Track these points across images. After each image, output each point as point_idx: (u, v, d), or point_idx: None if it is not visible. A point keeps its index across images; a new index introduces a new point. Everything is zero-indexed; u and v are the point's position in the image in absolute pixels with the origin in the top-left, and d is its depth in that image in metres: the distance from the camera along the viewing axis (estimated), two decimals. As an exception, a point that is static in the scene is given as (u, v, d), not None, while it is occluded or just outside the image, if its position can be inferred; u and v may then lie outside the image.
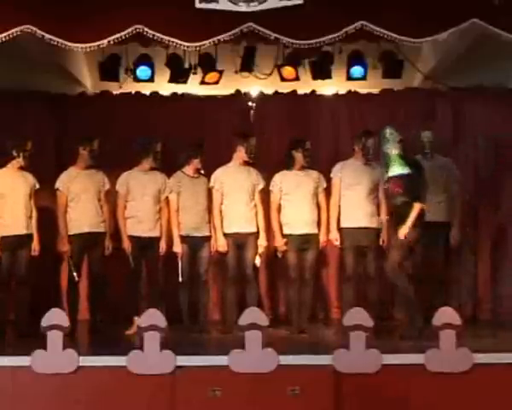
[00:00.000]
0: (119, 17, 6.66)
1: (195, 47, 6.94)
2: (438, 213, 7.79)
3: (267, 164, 8.26)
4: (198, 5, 6.60)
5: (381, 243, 7.59)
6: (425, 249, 7.78)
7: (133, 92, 9.21)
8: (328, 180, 7.89)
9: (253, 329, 5.93)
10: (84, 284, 7.95)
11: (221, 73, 8.73)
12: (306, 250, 7.77)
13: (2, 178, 7.64)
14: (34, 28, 6.60)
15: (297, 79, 8.80)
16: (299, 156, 7.79)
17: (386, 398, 5.87)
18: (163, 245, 7.84)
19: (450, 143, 8.85)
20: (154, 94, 9.24)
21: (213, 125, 9.09)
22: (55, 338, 5.92)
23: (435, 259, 7.89)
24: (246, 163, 7.90)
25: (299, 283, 7.76)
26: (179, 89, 9.11)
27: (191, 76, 8.74)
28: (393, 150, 7.12)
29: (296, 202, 7.75)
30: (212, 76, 8.78)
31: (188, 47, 6.89)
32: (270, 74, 8.74)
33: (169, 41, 6.76)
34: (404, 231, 7.01)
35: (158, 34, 6.69)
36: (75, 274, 7.60)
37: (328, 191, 7.88)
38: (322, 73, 8.76)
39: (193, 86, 8.99)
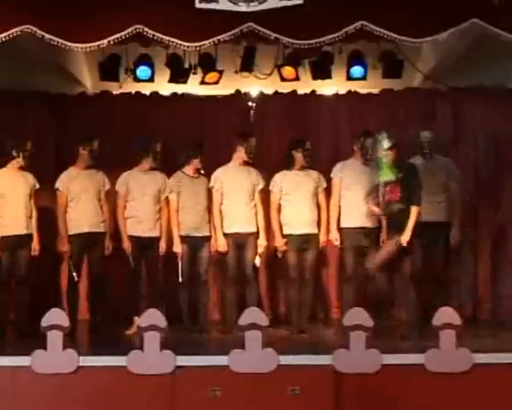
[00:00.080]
0: (119, 17, 6.66)
1: (195, 47, 6.94)
2: (438, 213, 7.79)
3: (267, 164, 8.26)
4: (198, 5, 6.60)
5: (381, 243, 7.58)
6: (425, 249, 7.78)
7: (133, 92, 9.21)
8: (328, 180, 7.89)
9: (253, 329, 5.94)
10: (84, 284, 7.95)
11: (221, 73, 8.73)
12: (306, 250, 7.77)
13: (2, 178, 7.64)
14: (34, 28, 6.60)
15: (297, 79, 8.80)
16: (299, 156, 7.79)
17: (386, 398, 5.88)
18: (163, 245, 7.84)
19: (450, 143, 8.85)
20: (154, 94, 9.24)
21: (213, 125, 9.08)
22: (55, 338, 5.92)
23: (435, 259, 7.88)
24: (246, 163, 7.90)
25: (299, 283, 7.76)
26: (179, 89, 9.10)
27: (191, 76, 8.74)
28: (383, 158, 7.14)
29: (296, 202, 7.75)
30: (212, 76, 8.78)
31: (188, 47, 6.89)
32: (270, 74, 8.74)
33: (169, 41, 6.76)
34: (406, 238, 7.02)
35: (158, 34, 6.69)
36: (75, 274, 7.60)
37: (328, 191, 7.88)
38: (322, 73, 8.76)
39: (193, 86, 8.99)
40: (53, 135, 9.04)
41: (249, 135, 7.94)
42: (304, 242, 7.75)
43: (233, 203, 7.80)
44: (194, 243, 7.84)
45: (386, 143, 7.13)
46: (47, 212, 7.96)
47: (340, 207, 7.75)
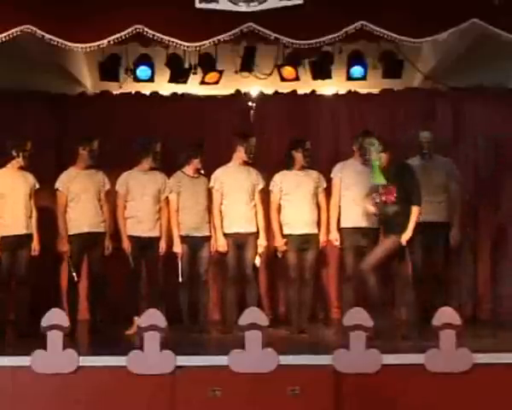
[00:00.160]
0: (119, 17, 6.66)
1: (195, 47, 6.94)
2: (438, 213, 7.79)
3: (267, 164, 8.27)
4: (198, 5, 6.60)
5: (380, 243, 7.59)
6: (425, 249, 7.79)
7: (133, 92, 9.21)
8: (329, 180, 7.89)
9: (253, 329, 5.93)
10: (84, 284, 7.95)
11: (221, 73, 8.73)
12: (306, 250, 7.78)
13: (2, 178, 7.64)
14: (34, 28, 6.60)
15: (297, 79, 8.80)
16: (299, 156, 7.79)
17: (386, 398, 5.88)
18: (163, 245, 7.84)
19: (450, 143, 8.85)
20: (154, 94, 9.24)
21: (213, 125, 9.09)
22: (55, 338, 5.92)
23: (435, 259, 7.88)
24: (245, 163, 7.90)
25: (299, 283, 7.76)
26: (179, 89, 9.11)
27: (191, 76, 8.74)
28: (376, 161, 7.15)
29: (296, 202, 7.75)
30: (212, 76, 8.78)
31: (188, 47, 6.89)
32: (270, 74, 8.74)
33: (169, 41, 6.76)
34: (406, 237, 7.03)
35: (158, 34, 6.69)
36: (74, 274, 7.60)
37: (328, 191, 7.88)
38: (322, 73, 8.76)
39: (193, 86, 8.99)
40: (53, 135, 9.04)
41: (249, 135, 7.94)
42: (304, 242, 7.75)
43: (233, 203, 7.80)
44: (194, 243, 7.84)
45: (377, 147, 7.14)
46: (47, 212, 7.96)
47: (340, 207, 7.75)
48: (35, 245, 7.66)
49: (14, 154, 7.61)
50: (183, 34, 6.70)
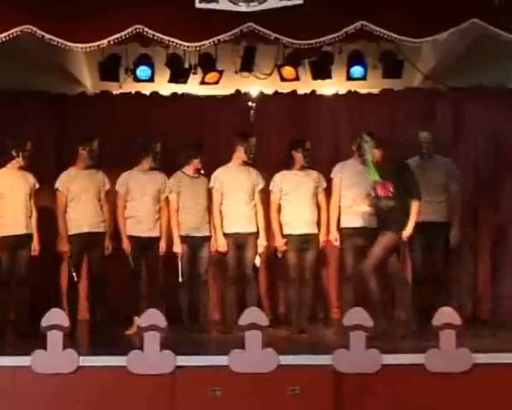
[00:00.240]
0: (119, 17, 6.66)
1: (195, 47, 6.93)
2: (438, 213, 7.79)
3: (267, 164, 8.27)
4: (198, 5, 6.59)
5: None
6: (425, 249, 7.80)
7: (133, 92, 9.21)
8: (329, 180, 7.89)
9: (253, 329, 5.93)
10: (84, 284, 7.95)
11: (221, 73, 8.73)
12: (306, 250, 7.78)
13: (2, 178, 7.64)
14: (34, 28, 6.59)
15: (297, 79, 8.80)
16: (298, 156, 7.79)
17: (386, 398, 5.87)
18: (163, 245, 7.84)
19: (450, 143, 8.85)
20: (154, 94, 9.24)
21: (213, 125, 9.09)
22: (55, 338, 5.92)
23: (435, 259, 7.88)
24: (245, 163, 7.90)
25: (299, 283, 7.76)
26: (179, 89, 9.10)
27: (191, 76, 8.74)
28: (368, 157, 7.16)
29: (296, 202, 7.75)
30: (212, 76, 8.78)
31: (188, 47, 6.89)
32: (270, 74, 8.74)
33: (169, 41, 6.76)
34: (407, 233, 7.04)
35: (158, 34, 6.69)
36: (74, 274, 7.60)
37: (328, 191, 7.89)
38: (322, 73, 8.76)
39: (193, 86, 8.99)
40: (53, 135, 9.04)
41: (249, 135, 7.94)
42: (304, 242, 7.75)
43: (233, 203, 7.80)
44: (194, 243, 7.84)
45: (370, 144, 7.17)
46: (47, 212, 7.96)
47: (340, 207, 7.76)
48: (35, 245, 7.66)
49: (14, 154, 7.61)
50: (183, 34, 6.70)
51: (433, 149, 7.93)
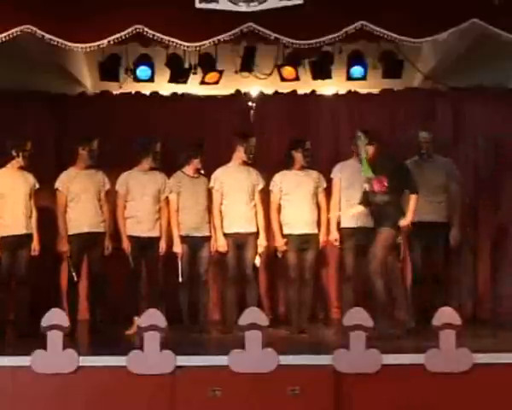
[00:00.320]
0: (119, 17, 6.66)
1: (195, 47, 6.93)
2: (438, 213, 7.80)
3: (267, 164, 8.27)
4: (198, 5, 6.59)
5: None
6: (425, 249, 7.80)
7: (133, 92, 9.21)
8: (329, 180, 7.90)
9: (253, 329, 5.93)
10: (84, 284, 7.95)
11: (221, 73, 8.73)
12: (306, 250, 7.78)
13: (2, 178, 7.64)
14: (34, 28, 6.59)
15: (297, 79, 8.79)
16: (298, 156, 7.79)
17: (386, 398, 5.87)
18: (163, 245, 7.84)
19: (450, 143, 8.85)
20: (154, 94, 9.24)
21: (213, 125, 9.08)
22: (55, 338, 5.92)
23: (435, 259, 7.89)
24: (245, 163, 7.90)
25: (299, 283, 7.76)
26: (179, 89, 9.10)
27: (191, 76, 8.73)
28: (363, 154, 7.20)
29: (296, 202, 7.75)
30: (212, 76, 8.78)
31: (188, 47, 6.89)
32: (270, 74, 8.73)
33: (169, 41, 6.76)
34: (405, 222, 7.05)
35: (158, 34, 6.69)
36: (74, 274, 7.60)
37: (328, 191, 7.89)
38: (322, 73, 8.76)
39: (193, 86, 8.99)
40: (53, 135, 9.04)
41: (249, 135, 7.94)
42: (304, 242, 7.75)
43: (233, 203, 7.80)
44: (194, 243, 7.84)
45: (363, 140, 7.20)
46: (47, 212, 7.96)
47: (340, 207, 7.76)
48: (35, 245, 7.66)
49: (14, 154, 7.61)
50: (183, 34, 6.70)
51: (433, 149, 7.93)
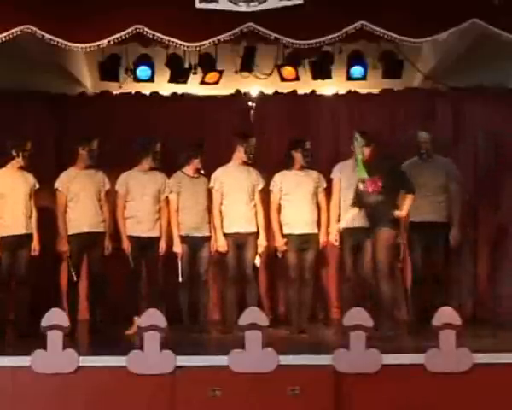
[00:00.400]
0: (119, 17, 6.66)
1: (195, 47, 6.93)
2: (438, 213, 7.80)
3: (267, 164, 8.27)
4: (198, 5, 6.59)
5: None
6: (425, 249, 7.79)
7: (133, 92, 9.21)
8: (329, 180, 7.89)
9: (253, 329, 5.93)
10: (84, 284, 7.96)
11: (221, 73, 8.73)
12: (306, 250, 7.78)
13: (2, 178, 7.64)
14: (34, 28, 6.59)
15: (297, 79, 8.79)
16: (298, 156, 7.79)
17: (386, 398, 5.87)
18: (163, 245, 7.84)
19: (450, 143, 8.85)
20: (154, 94, 9.24)
21: (213, 125, 9.08)
22: (55, 338, 5.92)
23: (435, 259, 7.88)
24: (245, 163, 7.90)
25: (299, 283, 7.76)
26: (179, 89, 9.10)
27: (191, 76, 8.73)
28: (358, 155, 7.20)
29: (296, 201, 7.75)
30: (212, 76, 8.78)
31: (188, 47, 6.89)
32: (270, 74, 8.73)
33: (169, 41, 6.76)
34: (401, 213, 7.05)
35: (158, 34, 6.69)
36: (74, 274, 7.60)
37: (328, 191, 7.89)
38: (322, 73, 8.76)
39: (193, 86, 8.99)
40: (53, 135, 9.04)
41: (249, 135, 7.94)
42: (304, 242, 7.75)
43: (233, 203, 7.80)
44: (194, 243, 7.84)
45: (360, 141, 7.20)
46: (47, 212, 7.96)
47: (340, 207, 7.76)
48: (35, 245, 7.66)
49: (14, 154, 7.61)
50: (183, 34, 6.70)
51: (433, 149, 7.92)
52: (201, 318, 7.90)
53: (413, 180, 7.43)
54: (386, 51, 8.43)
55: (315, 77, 8.81)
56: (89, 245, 7.73)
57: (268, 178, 7.93)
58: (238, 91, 9.21)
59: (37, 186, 7.77)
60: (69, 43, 6.68)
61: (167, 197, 7.89)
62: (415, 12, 6.66)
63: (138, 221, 7.76)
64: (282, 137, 8.67)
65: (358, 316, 5.99)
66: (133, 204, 7.80)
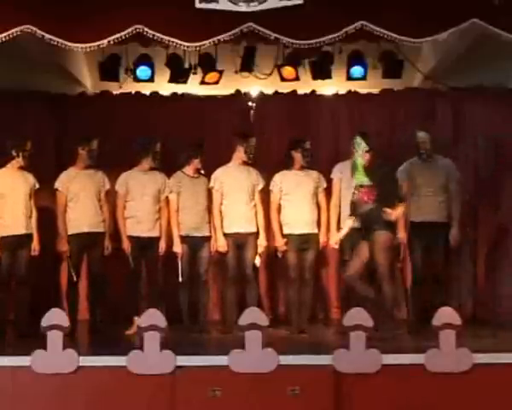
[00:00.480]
0: (119, 17, 6.66)
1: (195, 47, 6.94)
2: (438, 213, 7.80)
3: (267, 164, 8.27)
4: (198, 5, 6.60)
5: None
6: (425, 249, 7.79)
7: (133, 92, 9.20)
8: (329, 180, 7.90)
9: (253, 329, 5.93)
10: (84, 284, 7.96)
11: (221, 73, 8.73)
12: (306, 250, 7.78)
13: (2, 178, 7.64)
14: (34, 28, 6.60)
15: (297, 79, 8.79)
16: (298, 156, 7.80)
17: (386, 398, 5.87)
18: (163, 245, 7.84)
19: (450, 143, 8.84)
20: (154, 94, 9.24)
21: (213, 125, 9.08)
22: (55, 338, 5.92)
23: (435, 259, 7.88)
24: (245, 163, 7.91)
25: (299, 283, 7.76)
26: (179, 89, 9.10)
27: (191, 76, 8.73)
28: (359, 160, 7.19)
29: (296, 201, 7.75)
30: (212, 76, 8.78)
31: (188, 47, 6.89)
32: (270, 74, 8.73)
33: (169, 41, 6.76)
34: (395, 213, 7.03)
35: (158, 34, 6.69)
36: (74, 274, 7.60)
37: (328, 191, 7.89)
38: (322, 73, 8.76)
39: (193, 86, 8.99)
40: (53, 135, 9.04)
41: (249, 135, 7.95)
42: (304, 242, 7.75)
43: (233, 203, 7.80)
44: (194, 243, 7.84)
45: (364, 146, 7.18)
46: (47, 212, 7.96)
47: (340, 207, 7.75)
48: (35, 245, 7.66)
49: (14, 154, 7.61)
50: (183, 34, 6.70)
51: (432, 149, 7.91)
52: (201, 318, 7.90)
53: (413, 180, 7.42)
54: (386, 51, 8.43)
55: (315, 77, 8.81)
56: (89, 245, 7.73)
57: (268, 178, 7.93)
58: (238, 91, 9.21)
59: (37, 186, 7.77)
60: (69, 43, 6.68)
61: (167, 197, 7.89)
62: (415, 12, 6.66)
63: (138, 221, 7.77)
64: (282, 137, 8.67)
65: (358, 316, 5.98)
66: (133, 204, 7.80)
